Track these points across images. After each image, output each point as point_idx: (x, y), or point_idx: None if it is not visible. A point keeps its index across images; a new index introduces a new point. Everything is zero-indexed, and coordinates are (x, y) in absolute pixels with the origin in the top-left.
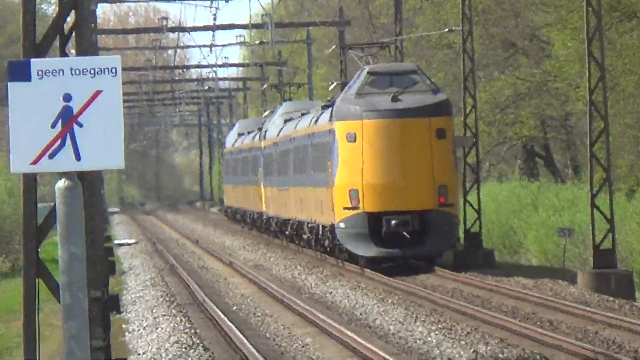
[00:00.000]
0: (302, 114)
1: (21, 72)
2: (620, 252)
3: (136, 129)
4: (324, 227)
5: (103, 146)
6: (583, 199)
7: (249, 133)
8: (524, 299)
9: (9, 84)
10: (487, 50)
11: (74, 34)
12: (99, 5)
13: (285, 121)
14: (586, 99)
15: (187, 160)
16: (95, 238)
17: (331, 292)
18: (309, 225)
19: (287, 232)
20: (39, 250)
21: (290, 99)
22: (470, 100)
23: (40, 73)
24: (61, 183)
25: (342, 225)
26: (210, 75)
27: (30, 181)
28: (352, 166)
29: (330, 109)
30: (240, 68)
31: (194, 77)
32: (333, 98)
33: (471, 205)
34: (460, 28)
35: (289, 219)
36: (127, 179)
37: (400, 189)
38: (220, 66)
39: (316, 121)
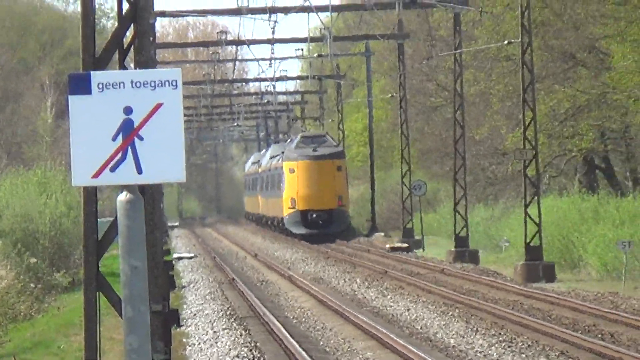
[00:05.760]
0: (276, 155)
1: (82, 85)
2: None
3: (195, 143)
4: (280, 218)
5: (164, 159)
6: None
7: (254, 163)
8: (584, 311)
9: (69, 97)
10: (546, 63)
11: (132, 47)
12: (158, 19)
13: (270, 157)
14: None
15: None
16: (156, 251)
17: (392, 306)
18: (275, 218)
19: (269, 223)
20: (99, 264)
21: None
22: (530, 113)
23: (100, 86)
24: (122, 196)
25: (287, 217)
26: (269, 89)
27: (91, 195)
28: (291, 186)
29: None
30: (299, 81)
31: (252, 90)
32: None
33: (531, 218)
34: (520, 40)
35: (269, 215)
36: (186, 192)
37: (317, 197)
38: (278, 79)
39: (277, 161)
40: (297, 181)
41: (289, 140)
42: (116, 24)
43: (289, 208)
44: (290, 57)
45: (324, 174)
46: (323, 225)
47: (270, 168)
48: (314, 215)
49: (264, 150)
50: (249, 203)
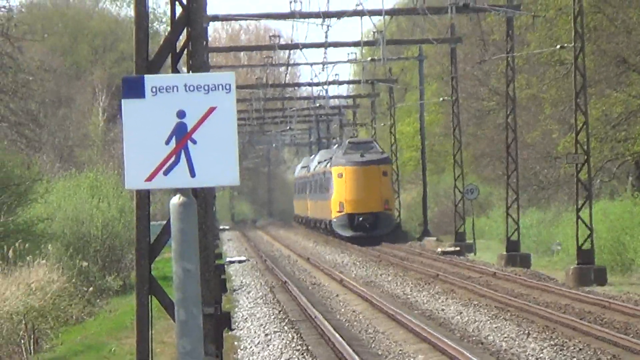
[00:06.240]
0: (324, 160)
1: (135, 89)
2: None
3: (247, 147)
4: (328, 221)
5: (218, 163)
6: None
7: (303, 168)
8: (637, 315)
9: (123, 100)
10: (599, 67)
11: (185, 51)
12: (210, 23)
13: (319, 162)
14: None
15: None
16: (208, 255)
17: (443, 309)
18: (323, 220)
19: (316, 225)
20: (152, 267)
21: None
22: (582, 117)
23: (154, 89)
24: (176, 199)
25: (335, 220)
26: (321, 93)
27: (144, 198)
28: (339, 190)
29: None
30: (351, 85)
31: (304, 94)
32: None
33: (583, 221)
34: (572, 45)
35: (317, 218)
36: (238, 195)
37: (364, 201)
38: (331, 83)
39: (326, 165)
40: (345, 185)
41: (336, 145)
42: (169, 28)
43: (337, 211)
44: (343, 61)
45: (370, 178)
46: (369, 228)
47: (318, 172)
48: (361, 219)
49: (312, 155)
50: (298, 206)
